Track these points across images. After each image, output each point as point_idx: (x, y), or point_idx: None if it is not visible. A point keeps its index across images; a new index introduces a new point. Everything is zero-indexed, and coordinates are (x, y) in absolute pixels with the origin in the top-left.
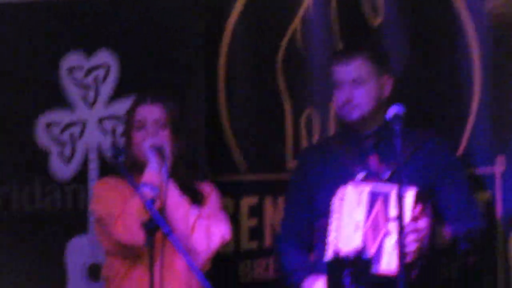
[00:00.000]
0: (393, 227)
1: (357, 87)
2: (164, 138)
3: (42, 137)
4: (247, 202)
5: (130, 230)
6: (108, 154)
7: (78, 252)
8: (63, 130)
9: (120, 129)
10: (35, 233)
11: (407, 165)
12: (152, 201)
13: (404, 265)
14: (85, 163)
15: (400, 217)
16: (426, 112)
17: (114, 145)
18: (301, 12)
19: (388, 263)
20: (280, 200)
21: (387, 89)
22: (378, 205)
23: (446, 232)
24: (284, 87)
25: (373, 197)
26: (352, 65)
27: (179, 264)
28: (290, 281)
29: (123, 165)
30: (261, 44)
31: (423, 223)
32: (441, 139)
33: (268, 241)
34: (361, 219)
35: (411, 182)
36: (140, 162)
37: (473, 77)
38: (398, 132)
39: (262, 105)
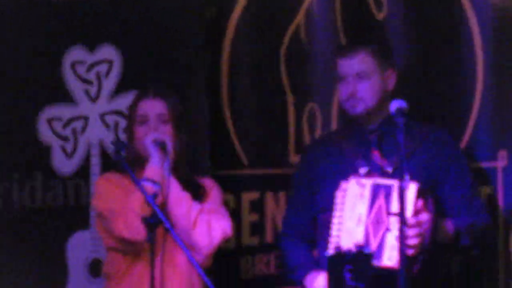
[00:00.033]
0: (395, 221)
1: (361, 80)
2: (166, 133)
3: (44, 132)
4: (248, 197)
5: (131, 225)
6: (110, 149)
7: (80, 248)
8: (65, 125)
9: (122, 124)
10: (36, 228)
11: (410, 159)
12: (154, 196)
13: (405, 260)
14: (87, 158)
15: (402, 212)
16: (429, 107)
17: (116, 140)
18: (304, 6)
19: (390, 257)
20: (282, 195)
21: (391, 83)
22: (380, 199)
23: (449, 226)
24: (286, 82)
25: (376, 191)
26: (356, 58)
27: (180, 259)
28: (292, 277)
29: (125, 160)
30: (265, 38)
31: (425, 217)
32: (445, 132)
33: (269, 236)
34: (363, 213)
35: (414, 176)
36: (142, 157)
37: (476, 72)
38: (402, 126)
39: (264, 100)
